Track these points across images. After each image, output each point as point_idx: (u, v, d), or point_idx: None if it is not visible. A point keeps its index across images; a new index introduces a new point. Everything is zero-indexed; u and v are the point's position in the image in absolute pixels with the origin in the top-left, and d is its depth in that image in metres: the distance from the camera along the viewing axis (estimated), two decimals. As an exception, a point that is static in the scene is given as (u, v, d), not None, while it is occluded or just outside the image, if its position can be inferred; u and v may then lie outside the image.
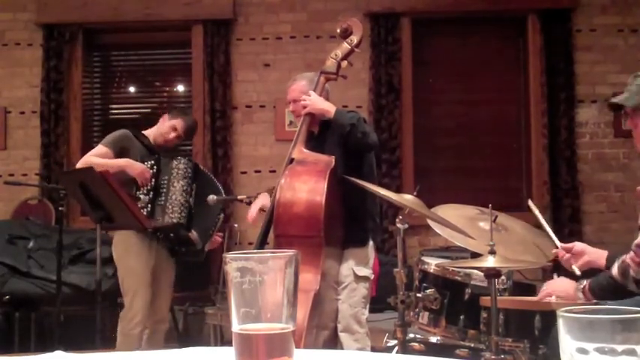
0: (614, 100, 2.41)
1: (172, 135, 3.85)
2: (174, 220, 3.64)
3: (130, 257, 3.67)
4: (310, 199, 2.95)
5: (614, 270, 2.26)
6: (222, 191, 3.92)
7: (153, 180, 3.67)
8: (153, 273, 3.72)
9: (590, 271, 2.45)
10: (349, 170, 3.09)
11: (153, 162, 3.71)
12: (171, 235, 3.76)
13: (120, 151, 3.74)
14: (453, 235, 2.74)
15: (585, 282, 2.37)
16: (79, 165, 3.76)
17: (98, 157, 3.68)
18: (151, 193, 3.68)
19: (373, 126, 5.19)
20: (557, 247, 2.57)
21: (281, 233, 2.99)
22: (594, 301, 2.32)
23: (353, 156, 3.22)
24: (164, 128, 3.87)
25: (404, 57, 5.88)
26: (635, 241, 2.20)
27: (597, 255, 2.46)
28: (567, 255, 2.50)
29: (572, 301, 2.36)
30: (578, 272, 2.45)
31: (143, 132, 3.94)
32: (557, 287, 2.51)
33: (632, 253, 2.21)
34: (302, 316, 2.74)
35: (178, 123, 3.86)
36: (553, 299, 2.47)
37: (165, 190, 3.67)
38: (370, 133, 3.19)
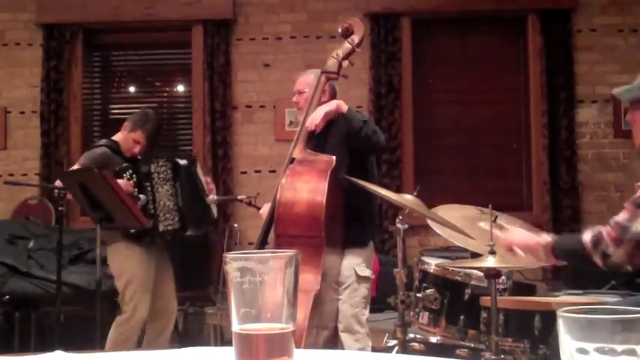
0: (615, 90, 2.38)
1: (137, 149, 3.74)
2: (169, 228, 3.62)
3: (132, 266, 3.65)
4: (311, 199, 2.94)
5: (587, 236, 2.16)
6: (202, 180, 3.77)
7: (136, 190, 3.58)
8: (154, 277, 3.72)
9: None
10: (351, 170, 3.08)
11: (131, 171, 3.62)
12: (168, 238, 3.76)
13: (99, 169, 3.60)
14: (452, 235, 2.74)
15: (549, 238, 2.29)
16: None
17: None
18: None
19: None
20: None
21: (281, 233, 2.99)
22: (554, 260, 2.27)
23: (356, 156, 3.21)
24: (128, 142, 3.75)
25: (404, 57, 5.88)
26: (615, 218, 2.14)
27: (525, 234, 2.42)
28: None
29: (534, 254, 2.30)
30: (522, 253, 2.35)
31: (113, 138, 3.81)
32: (517, 238, 2.41)
33: (608, 228, 2.12)
34: (302, 316, 2.74)
35: (139, 136, 3.73)
36: (519, 252, 2.36)
37: (151, 197, 3.60)
38: (379, 133, 3.19)
